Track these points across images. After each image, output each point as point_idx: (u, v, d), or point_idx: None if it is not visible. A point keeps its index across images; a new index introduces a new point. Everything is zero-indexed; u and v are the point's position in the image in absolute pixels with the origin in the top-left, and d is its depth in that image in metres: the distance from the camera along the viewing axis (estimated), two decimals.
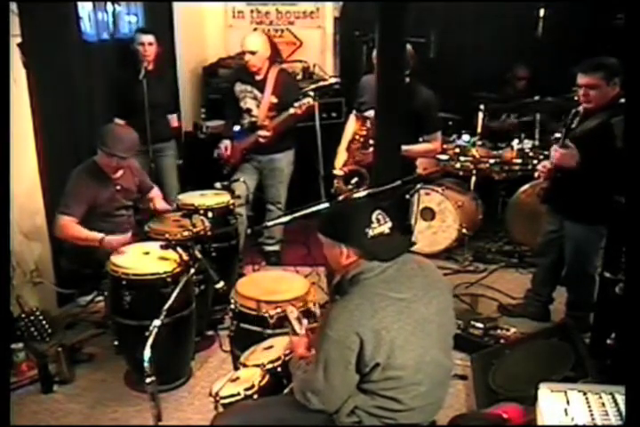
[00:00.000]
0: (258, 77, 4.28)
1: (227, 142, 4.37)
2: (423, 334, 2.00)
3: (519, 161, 4.66)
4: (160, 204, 3.79)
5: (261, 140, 4.22)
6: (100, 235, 3.35)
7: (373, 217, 2.02)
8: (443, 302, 2.11)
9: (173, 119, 4.73)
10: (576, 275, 3.59)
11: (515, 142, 4.73)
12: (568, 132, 3.36)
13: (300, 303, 2.83)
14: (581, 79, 3.24)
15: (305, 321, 2.51)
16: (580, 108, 3.32)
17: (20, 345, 3.30)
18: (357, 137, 3.86)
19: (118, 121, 4.30)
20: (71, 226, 3.37)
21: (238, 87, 4.35)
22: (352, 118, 4.03)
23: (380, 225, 2.02)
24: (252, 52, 4.18)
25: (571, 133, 3.36)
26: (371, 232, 2.00)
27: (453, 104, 4.96)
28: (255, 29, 5.09)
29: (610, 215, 3.05)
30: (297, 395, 2.08)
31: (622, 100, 3.21)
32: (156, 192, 3.86)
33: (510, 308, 3.95)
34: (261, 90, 4.26)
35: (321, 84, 4.26)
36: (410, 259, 2.12)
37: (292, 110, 4.01)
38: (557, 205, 3.58)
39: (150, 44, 4.27)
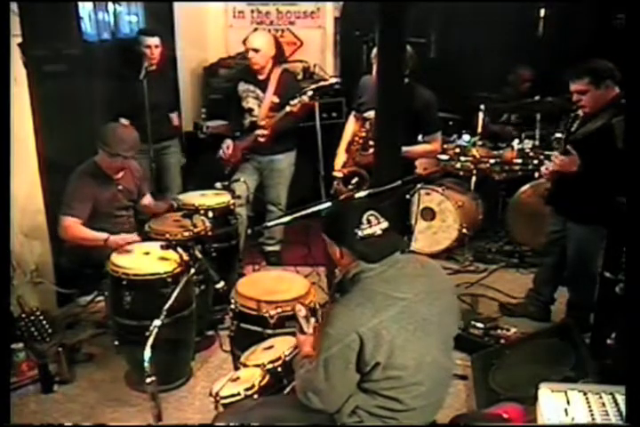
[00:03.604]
0: (261, 77, 4.27)
1: (229, 142, 4.36)
2: (424, 334, 2.00)
3: (519, 161, 4.65)
4: (157, 204, 3.76)
5: (260, 139, 4.22)
6: (104, 235, 3.35)
7: (364, 218, 2.02)
8: (446, 303, 2.10)
9: (174, 118, 4.74)
10: (578, 275, 3.59)
11: (515, 142, 4.73)
12: (568, 137, 3.38)
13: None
14: (571, 86, 3.30)
15: (313, 320, 2.50)
16: (580, 112, 3.36)
17: (20, 345, 3.30)
18: (357, 139, 3.86)
19: (123, 121, 4.30)
20: (75, 227, 3.37)
21: (241, 87, 4.34)
22: (351, 119, 4.03)
23: (371, 226, 2.02)
24: (256, 50, 4.15)
25: (572, 136, 3.39)
26: (360, 233, 2.01)
27: (453, 104, 4.96)
28: (256, 29, 5.09)
29: (611, 215, 3.05)
30: (299, 394, 2.08)
31: (623, 101, 3.21)
32: (148, 199, 3.84)
33: (511, 307, 3.95)
34: (264, 90, 4.25)
35: (321, 83, 4.25)
36: (413, 259, 2.13)
37: (287, 108, 4.01)
38: (560, 205, 3.59)
39: (157, 46, 4.27)
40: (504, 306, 3.99)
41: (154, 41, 4.25)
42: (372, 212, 2.04)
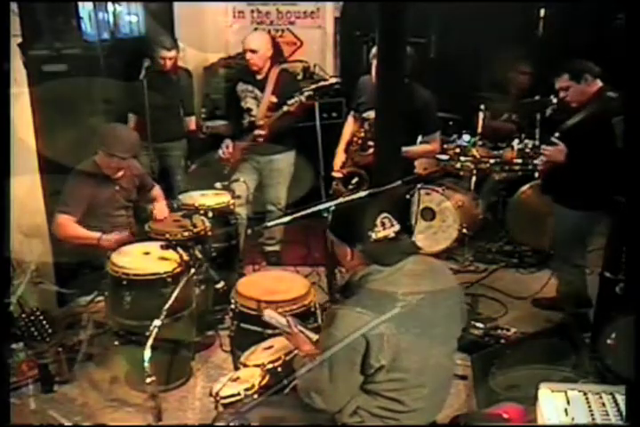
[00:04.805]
0: (259, 77, 4.26)
1: (228, 142, 4.35)
2: (428, 336, 2.00)
3: (519, 161, 4.66)
4: (159, 208, 3.76)
5: (258, 139, 4.21)
6: (97, 234, 3.35)
7: (378, 221, 2.02)
8: (451, 306, 2.10)
9: (191, 122, 4.73)
10: (563, 262, 3.65)
11: (515, 142, 4.73)
12: (549, 128, 3.51)
13: (297, 304, 2.85)
14: (555, 85, 3.53)
15: (290, 318, 2.46)
16: (554, 99, 3.63)
17: (20, 345, 3.30)
18: (356, 139, 3.86)
19: (131, 116, 4.29)
20: (69, 225, 3.38)
21: (240, 87, 4.34)
22: (350, 119, 4.03)
23: (385, 229, 2.02)
24: (254, 51, 4.15)
25: (560, 128, 3.51)
26: (374, 236, 2.01)
27: (453, 104, 4.96)
28: (256, 29, 5.09)
29: (610, 211, 3.08)
30: (301, 393, 2.08)
31: (610, 93, 3.34)
32: (157, 191, 3.85)
33: (545, 302, 3.97)
34: (262, 89, 4.25)
35: (321, 83, 4.24)
36: (420, 261, 2.12)
37: (284, 108, 4.01)
38: (553, 192, 3.65)
39: (171, 58, 4.29)
40: (537, 300, 4.02)
41: (171, 54, 4.28)
42: (385, 214, 2.04)
